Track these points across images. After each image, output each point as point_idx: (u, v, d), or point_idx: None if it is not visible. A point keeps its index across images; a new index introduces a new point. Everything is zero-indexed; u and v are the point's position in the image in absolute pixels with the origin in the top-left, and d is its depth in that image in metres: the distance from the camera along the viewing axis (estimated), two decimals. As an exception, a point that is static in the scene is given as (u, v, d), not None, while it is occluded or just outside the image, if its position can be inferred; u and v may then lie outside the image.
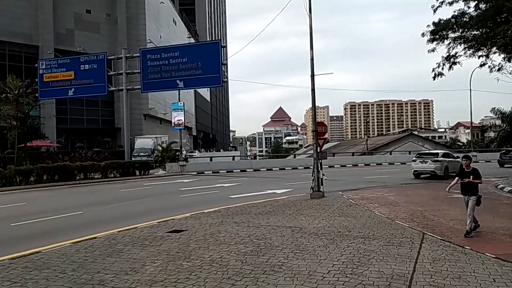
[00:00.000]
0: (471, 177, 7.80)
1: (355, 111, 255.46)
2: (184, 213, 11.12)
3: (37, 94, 31.10)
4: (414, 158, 23.42)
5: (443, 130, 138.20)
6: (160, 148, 38.41)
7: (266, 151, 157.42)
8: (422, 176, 22.09)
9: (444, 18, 19.32)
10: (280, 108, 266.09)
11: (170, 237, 7.99)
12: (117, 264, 6.12)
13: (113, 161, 27.53)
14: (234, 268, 5.63)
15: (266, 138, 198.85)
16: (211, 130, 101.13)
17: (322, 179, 14.35)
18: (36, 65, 32.23)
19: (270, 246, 6.94)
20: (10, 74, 30.77)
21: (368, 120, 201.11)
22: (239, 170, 31.76)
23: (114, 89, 32.64)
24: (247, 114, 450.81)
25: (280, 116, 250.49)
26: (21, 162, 26.01)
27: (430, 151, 27.87)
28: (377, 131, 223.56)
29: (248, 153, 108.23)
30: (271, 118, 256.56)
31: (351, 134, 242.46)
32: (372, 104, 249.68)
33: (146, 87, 30.56)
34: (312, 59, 15.30)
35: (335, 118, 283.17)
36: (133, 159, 32.65)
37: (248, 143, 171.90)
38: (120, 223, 10.15)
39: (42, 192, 19.88)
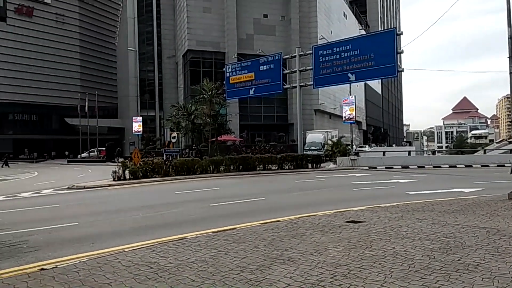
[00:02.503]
0: None
1: None
2: (359, 206, 11.07)
3: (225, 95, 35.51)
4: None
5: None
6: (330, 143, 38.95)
7: (446, 147, 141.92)
8: None
9: None
10: (465, 98, 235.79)
11: (349, 227, 8.10)
12: (302, 245, 6.57)
13: (288, 154, 29.32)
14: (421, 263, 5.37)
15: (446, 132, 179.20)
16: (382, 124, 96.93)
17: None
18: (224, 69, 36.82)
19: (461, 245, 6.33)
20: (205, 78, 36.04)
21: None
22: (415, 166, 29.62)
23: (288, 87, 34.58)
24: (423, 106, 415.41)
25: (464, 107, 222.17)
26: (213, 154, 30.23)
27: None
28: None
29: (425, 148, 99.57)
30: (453, 110, 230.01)
31: None
32: None
33: (318, 82, 31.37)
34: (510, 37, 13.13)
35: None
36: (304, 152, 34.04)
37: (425, 137, 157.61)
38: (298, 210, 10.79)
39: (230, 179, 22.69)
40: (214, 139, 34.46)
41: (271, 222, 8.98)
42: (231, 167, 26.21)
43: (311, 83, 31.82)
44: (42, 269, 5.65)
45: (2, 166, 45.97)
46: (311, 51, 31.56)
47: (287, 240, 6.98)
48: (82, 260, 6.08)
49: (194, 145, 39.53)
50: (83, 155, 61.01)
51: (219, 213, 11.12)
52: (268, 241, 6.97)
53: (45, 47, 78.09)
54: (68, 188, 19.23)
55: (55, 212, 12.04)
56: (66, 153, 66.24)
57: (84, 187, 19.38)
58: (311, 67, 31.26)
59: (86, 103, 60.45)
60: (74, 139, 67.60)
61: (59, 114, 77.55)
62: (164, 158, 24.54)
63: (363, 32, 70.94)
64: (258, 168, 26.89)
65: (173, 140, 28.73)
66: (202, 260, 5.84)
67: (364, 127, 78.29)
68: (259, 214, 10.68)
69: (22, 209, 12.73)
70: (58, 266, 5.75)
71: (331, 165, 31.82)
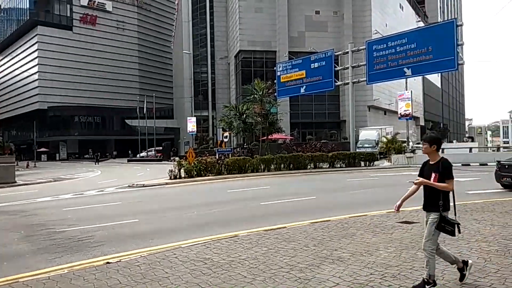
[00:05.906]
0: (434, 176, 4.46)
1: None
2: (414, 206, 10.71)
3: (275, 94, 35.69)
4: None
5: None
6: (384, 140, 37.83)
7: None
8: None
9: None
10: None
11: (402, 227, 7.97)
12: (352, 246, 6.59)
13: (340, 152, 28.87)
14: (476, 265, 5.20)
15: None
16: (442, 119, 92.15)
17: None
18: (275, 68, 37.02)
19: (522, 249, 6.02)
20: (256, 78, 36.48)
21: None
22: (477, 164, 27.96)
23: (340, 84, 34.08)
24: (488, 99, 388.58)
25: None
26: (264, 153, 30.52)
27: None
28: None
29: (489, 144, 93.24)
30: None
31: None
32: None
33: (372, 78, 30.61)
34: None
35: None
36: (357, 150, 33.36)
37: (489, 132, 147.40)
38: (349, 210, 10.67)
39: (280, 178, 22.83)
40: (265, 138, 34.81)
41: (321, 221, 9.01)
42: (282, 165, 26.31)
43: (365, 79, 31.13)
44: (108, 262, 6.18)
45: (95, 163, 53.25)
46: (364, 47, 30.85)
47: (337, 240, 7.02)
48: (143, 255, 6.56)
49: (245, 144, 40.14)
50: (141, 154, 64.19)
51: (270, 211, 11.32)
52: (317, 240, 7.06)
53: (106, 53, 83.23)
54: (129, 186, 20.43)
55: (117, 209, 12.91)
56: (129, 152, 70.48)
57: (143, 186, 20.51)
58: (364, 63, 30.58)
59: (145, 105, 63.43)
60: (133, 139, 71.33)
61: (120, 115, 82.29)
62: (217, 157, 25.22)
63: (421, 24, 67.75)
64: (309, 167, 26.76)
65: (225, 140, 29.37)
66: (253, 257, 6.07)
67: (422, 123, 74.91)
68: (309, 213, 10.72)
69: (88, 206, 13.76)
70: (121, 260, 6.26)
71: (386, 163, 30.92)
